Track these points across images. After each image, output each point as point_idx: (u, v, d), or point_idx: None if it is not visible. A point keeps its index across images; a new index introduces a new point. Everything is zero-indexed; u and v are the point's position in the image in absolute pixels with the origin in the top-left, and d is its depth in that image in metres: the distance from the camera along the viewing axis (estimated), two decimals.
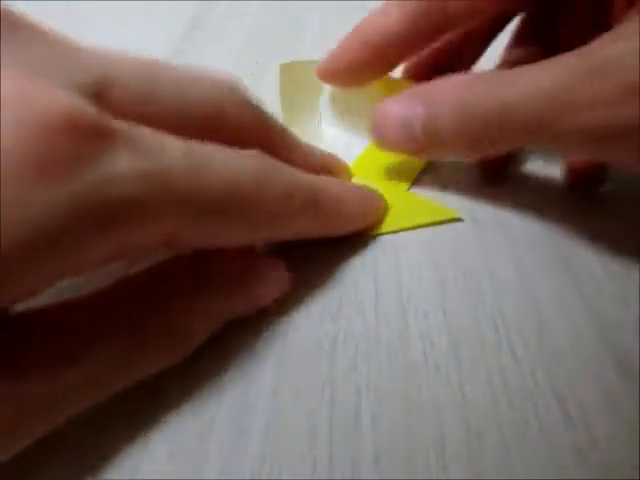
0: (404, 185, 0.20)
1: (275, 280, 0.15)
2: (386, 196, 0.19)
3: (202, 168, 0.12)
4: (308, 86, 0.22)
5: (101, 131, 0.10)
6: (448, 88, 0.17)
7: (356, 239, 0.18)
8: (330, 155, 0.20)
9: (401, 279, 0.17)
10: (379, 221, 0.18)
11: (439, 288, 0.17)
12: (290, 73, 0.22)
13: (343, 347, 0.15)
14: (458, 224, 0.19)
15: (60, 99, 0.10)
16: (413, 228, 0.18)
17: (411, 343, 0.15)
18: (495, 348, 0.15)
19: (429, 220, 0.19)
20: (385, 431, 0.13)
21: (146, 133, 0.11)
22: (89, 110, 0.11)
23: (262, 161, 0.14)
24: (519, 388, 0.14)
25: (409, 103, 0.17)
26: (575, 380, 0.14)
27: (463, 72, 0.17)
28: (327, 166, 0.19)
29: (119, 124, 0.11)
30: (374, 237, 0.18)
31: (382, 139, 0.19)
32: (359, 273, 0.17)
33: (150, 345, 0.13)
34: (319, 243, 0.17)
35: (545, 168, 0.21)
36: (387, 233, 0.18)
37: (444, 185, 0.20)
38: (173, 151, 0.12)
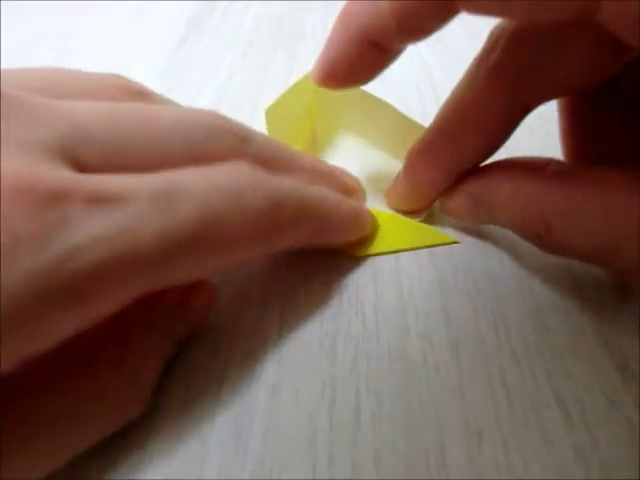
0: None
1: (204, 288, 0.15)
2: (379, 217, 0.19)
3: (173, 204, 0.11)
4: (296, 122, 0.21)
5: (58, 195, 0.10)
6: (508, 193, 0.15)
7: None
8: (335, 173, 0.19)
9: (401, 279, 0.17)
10: (369, 236, 0.18)
11: (439, 288, 0.17)
12: (276, 114, 0.20)
13: (343, 347, 0.15)
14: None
15: (12, 164, 0.10)
16: (407, 250, 0.18)
17: (411, 343, 0.15)
18: (495, 348, 0.15)
19: (425, 243, 0.18)
20: (385, 431, 0.13)
21: (110, 183, 0.11)
22: (45, 172, 0.10)
23: (242, 173, 0.13)
24: (519, 388, 0.14)
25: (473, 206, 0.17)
26: (575, 380, 0.14)
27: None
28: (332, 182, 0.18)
29: (78, 180, 0.10)
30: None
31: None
32: (359, 273, 0.17)
33: (111, 399, 0.12)
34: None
35: None
36: (382, 254, 0.18)
37: None
38: (139, 197, 0.11)
